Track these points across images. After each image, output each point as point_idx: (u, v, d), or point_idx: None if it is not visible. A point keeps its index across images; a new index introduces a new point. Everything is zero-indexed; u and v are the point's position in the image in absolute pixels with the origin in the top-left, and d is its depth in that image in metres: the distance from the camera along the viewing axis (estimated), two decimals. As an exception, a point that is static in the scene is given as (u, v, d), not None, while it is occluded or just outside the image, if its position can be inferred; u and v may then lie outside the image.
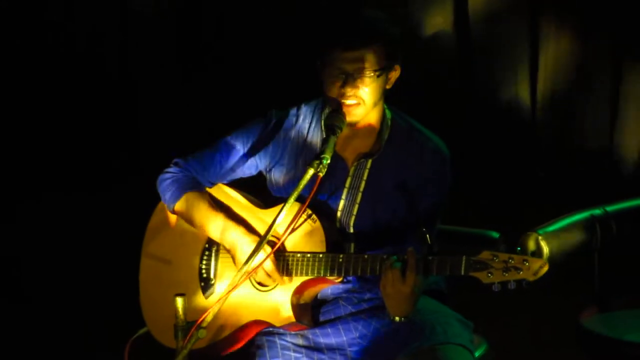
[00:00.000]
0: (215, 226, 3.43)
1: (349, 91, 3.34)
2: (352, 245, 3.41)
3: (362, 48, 3.32)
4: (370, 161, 3.44)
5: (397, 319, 3.25)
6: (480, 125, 7.06)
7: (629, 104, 6.72)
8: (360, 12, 3.39)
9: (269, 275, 3.34)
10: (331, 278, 3.34)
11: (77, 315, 5.49)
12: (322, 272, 3.32)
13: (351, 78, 3.33)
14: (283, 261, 3.35)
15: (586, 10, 6.77)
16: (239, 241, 3.38)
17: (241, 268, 3.22)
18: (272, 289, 3.37)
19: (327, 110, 3.44)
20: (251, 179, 3.57)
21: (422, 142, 3.45)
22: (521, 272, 3.09)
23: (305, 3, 7.09)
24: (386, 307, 3.25)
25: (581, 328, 3.92)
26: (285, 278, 3.35)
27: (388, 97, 3.46)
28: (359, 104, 3.36)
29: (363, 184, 3.44)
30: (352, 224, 3.42)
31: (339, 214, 3.43)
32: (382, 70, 3.35)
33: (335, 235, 3.39)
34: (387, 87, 3.41)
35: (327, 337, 3.37)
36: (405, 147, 3.44)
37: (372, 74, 3.33)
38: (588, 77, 6.82)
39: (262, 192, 3.55)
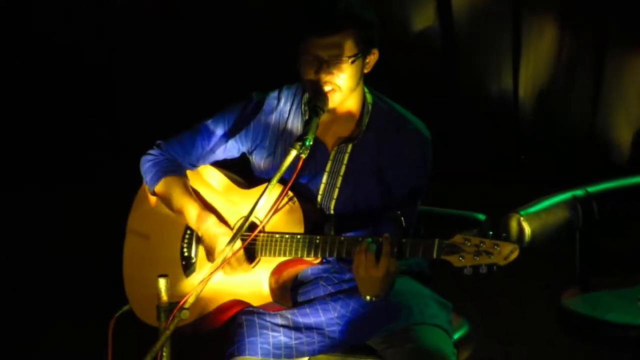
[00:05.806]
0: (189, 213, 3.44)
1: (324, 77, 3.32)
2: (333, 226, 3.41)
3: (335, 34, 3.30)
4: (350, 145, 3.43)
5: (367, 298, 3.25)
6: (465, 117, 7.11)
7: (611, 92, 6.76)
8: None
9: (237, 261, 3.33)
10: (309, 259, 3.34)
11: (61, 292, 5.52)
12: (299, 253, 3.31)
13: (326, 64, 3.32)
14: (261, 241, 3.35)
15: (567, 3, 6.82)
16: (210, 231, 3.39)
17: (222, 251, 3.23)
18: (252, 268, 3.37)
19: (307, 95, 3.44)
20: (237, 159, 3.57)
21: (403, 125, 3.44)
22: (492, 257, 3.08)
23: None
24: (358, 287, 3.25)
25: (563, 308, 3.93)
26: (246, 265, 3.34)
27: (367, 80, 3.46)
28: (334, 90, 3.34)
29: (343, 168, 3.43)
30: (332, 207, 3.42)
31: (319, 197, 3.43)
32: (357, 56, 3.33)
33: (314, 216, 3.38)
34: (365, 71, 3.40)
35: (306, 317, 3.36)
36: (386, 131, 3.43)
37: (347, 60, 3.32)
38: (571, 68, 6.86)
39: (247, 172, 3.55)
